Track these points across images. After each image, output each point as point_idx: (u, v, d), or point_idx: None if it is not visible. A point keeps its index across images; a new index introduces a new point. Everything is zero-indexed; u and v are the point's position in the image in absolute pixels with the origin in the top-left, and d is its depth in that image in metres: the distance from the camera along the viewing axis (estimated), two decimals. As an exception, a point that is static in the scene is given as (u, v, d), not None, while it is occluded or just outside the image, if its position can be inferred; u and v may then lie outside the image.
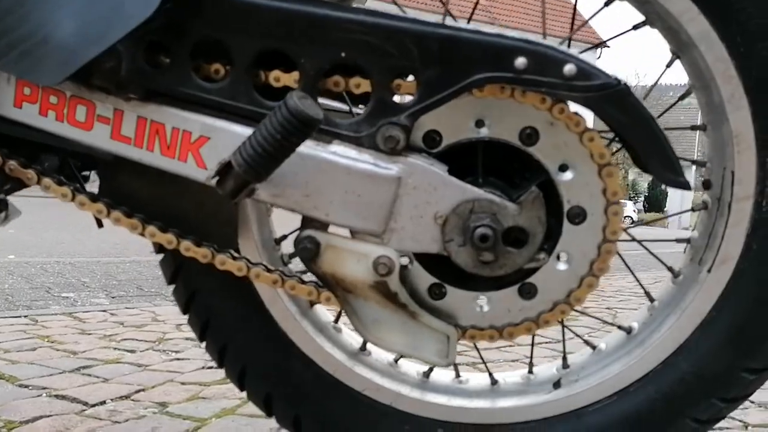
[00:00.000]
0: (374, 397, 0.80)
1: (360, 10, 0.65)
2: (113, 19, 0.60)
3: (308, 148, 0.64)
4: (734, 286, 0.75)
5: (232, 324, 0.79)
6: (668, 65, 0.76)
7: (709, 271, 0.76)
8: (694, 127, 0.79)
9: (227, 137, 0.65)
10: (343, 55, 0.64)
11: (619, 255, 0.84)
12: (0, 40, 0.61)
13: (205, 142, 0.66)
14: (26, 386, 1.25)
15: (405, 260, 0.69)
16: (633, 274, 0.88)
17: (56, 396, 1.19)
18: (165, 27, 0.63)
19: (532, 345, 0.86)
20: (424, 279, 0.71)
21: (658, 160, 0.66)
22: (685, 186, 0.67)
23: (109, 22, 0.60)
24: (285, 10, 0.63)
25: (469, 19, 0.79)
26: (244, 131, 0.64)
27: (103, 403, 1.17)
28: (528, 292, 0.71)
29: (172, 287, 0.79)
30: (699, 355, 0.77)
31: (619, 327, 0.84)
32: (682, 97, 0.80)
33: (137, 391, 1.24)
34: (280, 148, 0.57)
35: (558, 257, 0.70)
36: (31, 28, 0.61)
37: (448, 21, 0.69)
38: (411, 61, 0.64)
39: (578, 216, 0.69)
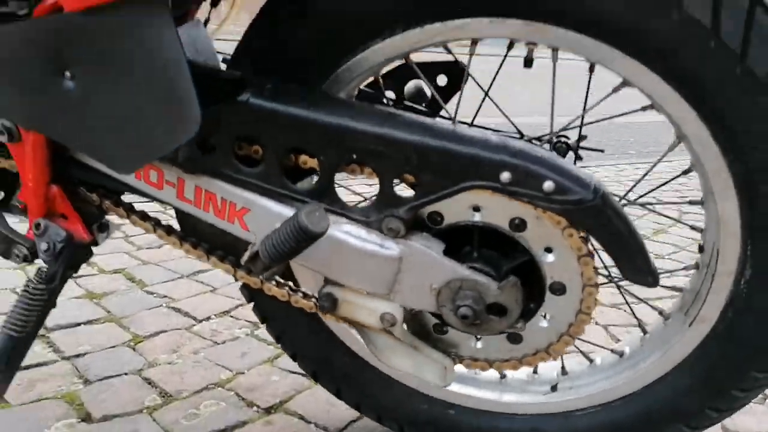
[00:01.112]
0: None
1: (370, 116, 0.74)
2: (171, 133, 0.73)
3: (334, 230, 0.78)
4: (708, 343, 0.84)
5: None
6: (671, 148, 0.80)
7: (690, 324, 0.85)
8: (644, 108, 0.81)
9: (263, 211, 0.79)
10: (354, 157, 0.75)
11: (618, 287, 0.94)
12: (95, 138, 0.77)
13: (246, 212, 0.81)
14: (151, 293, 1.54)
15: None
16: (629, 305, 0.97)
17: (173, 308, 1.48)
18: (209, 127, 0.76)
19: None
20: (429, 318, 0.86)
21: (629, 267, 0.74)
22: (653, 285, 0.75)
23: (168, 135, 0.73)
24: (302, 118, 0.74)
25: (475, 116, 0.85)
26: (277, 207, 0.78)
27: (208, 319, 1.44)
28: (515, 340, 0.84)
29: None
30: (675, 389, 0.88)
31: (612, 351, 0.95)
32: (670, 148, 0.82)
33: (237, 306, 1.50)
34: (293, 250, 0.72)
35: (543, 316, 0.82)
36: (113, 132, 0.76)
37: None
38: (411, 166, 0.74)
39: (559, 290, 0.79)
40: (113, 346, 1.30)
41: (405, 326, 0.85)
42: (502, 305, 0.78)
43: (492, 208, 0.76)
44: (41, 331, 1.29)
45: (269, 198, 0.79)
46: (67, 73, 0.74)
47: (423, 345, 0.85)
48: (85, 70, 0.73)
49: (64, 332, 1.33)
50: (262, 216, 0.79)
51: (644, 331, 0.93)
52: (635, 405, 0.91)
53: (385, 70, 0.86)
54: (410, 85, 0.91)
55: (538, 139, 0.83)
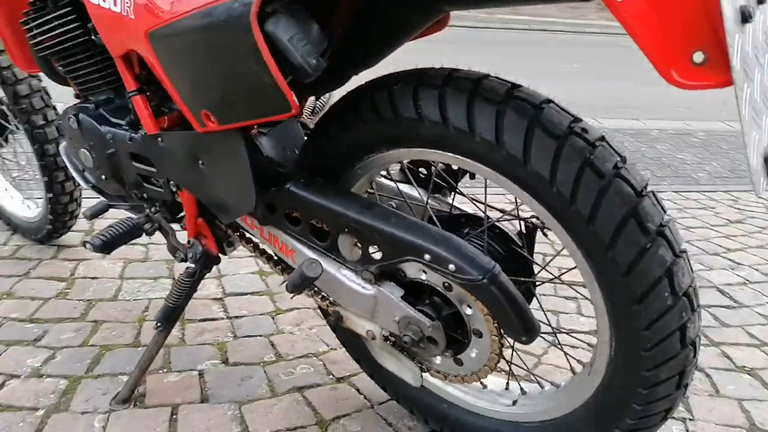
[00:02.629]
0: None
1: (356, 205, 1.15)
2: (238, 207, 1.22)
3: (334, 269, 1.21)
4: (599, 390, 1.12)
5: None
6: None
7: (589, 374, 1.14)
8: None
9: (300, 254, 1.25)
10: (345, 230, 1.17)
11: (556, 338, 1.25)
12: (210, 198, 1.29)
13: (293, 253, 1.27)
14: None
15: (393, 328, 1.24)
16: (566, 354, 1.26)
17: (311, 292, 2.01)
18: (270, 200, 1.23)
19: (510, 364, 1.34)
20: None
21: (507, 328, 1.07)
22: (526, 343, 1.07)
23: (237, 208, 1.22)
24: (317, 202, 1.17)
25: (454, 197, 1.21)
26: (308, 252, 1.24)
27: (332, 304, 1.94)
28: (459, 363, 1.21)
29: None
30: (582, 418, 1.18)
31: (552, 383, 1.26)
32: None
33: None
34: (301, 284, 1.17)
35: (472, 349, 1.17)
36: (215, 198, 1.27)
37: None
38: (377, 242, 1.13)
39: (477, 334, 1.14)
40: (261, 314, 1.86)
41: (388, 340, 1.25)
42: (433, 338, 1.15)
43: (431, 273, 1.13)
44: (219, 294, 1.90)
45: (304, 245, 1.25)
46: (200, 162, 1.25)
47: (399, 355, 1.25)
48: (207, 161, 1.24)
49: (233, 298, 1.93)
50: (300, 256, 1.25)
51: (573, 372, 1.23)
52: (558, 427, 1.22)
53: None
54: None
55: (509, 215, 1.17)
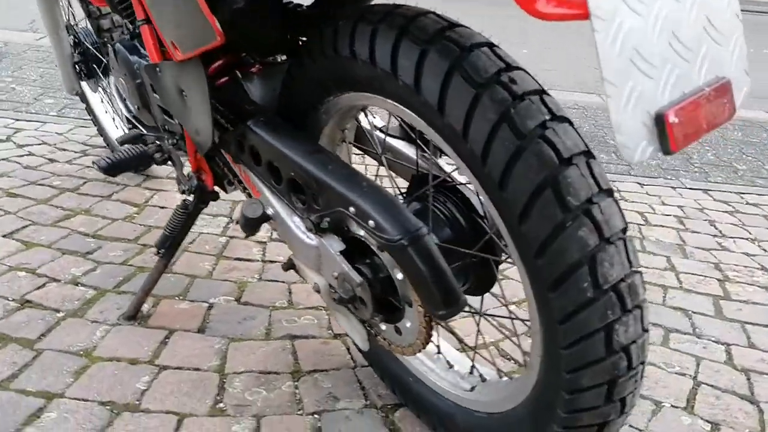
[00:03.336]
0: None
1: (305, 153, 1.08)
2: (205, 136, 1.21)
3: (285, 215, 1.17)
4: (535, 387, 0.98)
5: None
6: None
7: (527, 368, 1.00)
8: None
9: (263, 195, 1.22)
10: (291, 174, 1.11)
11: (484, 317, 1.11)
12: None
13: (259, 194, 1.24)
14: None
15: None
16: (512, 339, 1.11)
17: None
18: (237, 136, 1.21)
19: (474, 351, 1.22)
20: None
21: (424, 299, 0.96)
22: (442, 319, 0.96)
23: (204, 136, 1.22)
24: (271, 143, 1.13)
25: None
26: (268, 194, 1.20)
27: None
28: (399, 332, 1.11)
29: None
30: (521, 417, 1.04)
31: (507, 374, 1.13)
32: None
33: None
34: (247, 223, 1.14)
35: (407, 319, 1.08)
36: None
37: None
38: (315, 191, 1.07)
39: (408, 302, 1.04)
40: (295, 262, 1.86)
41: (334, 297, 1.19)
42: (362, 299, 1.07)
43: (362, 230, 1.05)
44: (264, 238, 1.93)
45: (265, 186, 1.21)
46: (183, 92, 1.26)
47: (348, 314, 1.18)
48: (186, 92, 1.24)
49: (275, 244, 1.95)
50: (263, 197, 1.22)
51: (525, 365, 1.08)
52: (502, 422, 1.09)
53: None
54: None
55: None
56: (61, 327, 1.50)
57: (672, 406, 1.42)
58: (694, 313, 1.80)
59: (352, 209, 1.00)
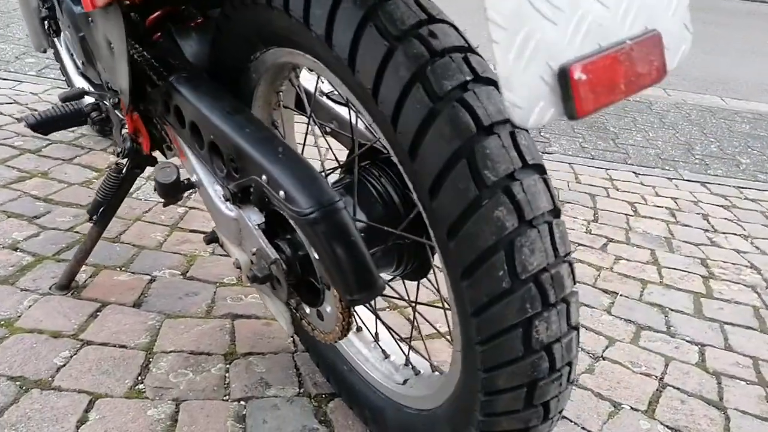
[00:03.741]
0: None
1: (225, 116, 0.98)
2: (124, 90, 1.11)
3: (207, 182, 1.06)
4: (457, 386, 0.88)
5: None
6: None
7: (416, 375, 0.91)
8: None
9: (188, 160, 1.11)
10: (212, 137, 1.01)
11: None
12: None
13: (185, 159, 1.13)
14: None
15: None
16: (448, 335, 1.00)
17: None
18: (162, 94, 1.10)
19: (410, 344, 1.12)
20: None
21: (339, 284, 0.85)
22: (351, 305, 0.85)
23: (123, 91, 1.11)
24: (192, 103, 1.02)
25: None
26: (193, 159, 1.09)
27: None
28: (321, 317, 1.01)
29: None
30: (443, 417, 0.94)
31: (438, 369, 1.02)
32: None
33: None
34: (161, 190, 1.03)
35: (327, 303, 0.97)
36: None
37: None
38: (233, 157, 0.96)
39: (327, 285, 0.94)
40: (252, 237, 1.76)
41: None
42: (276, 277, 0.96)
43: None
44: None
45: (190, 150, 1.10)
46: (110, 44, 1.15)
47: (270, 293, 1.08)
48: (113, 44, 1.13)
49: (234, 217, 1.85)
50: (187, 162, 1.11)
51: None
52: (427, 421, 0.99)
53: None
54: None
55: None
56: (-13, 294, 1.41)
57: (632, 408, 1.31)
58: (672, 310, 1.69)
59: (264, 177, 0.89)
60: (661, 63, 0.54)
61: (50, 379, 1.21)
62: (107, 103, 1.35)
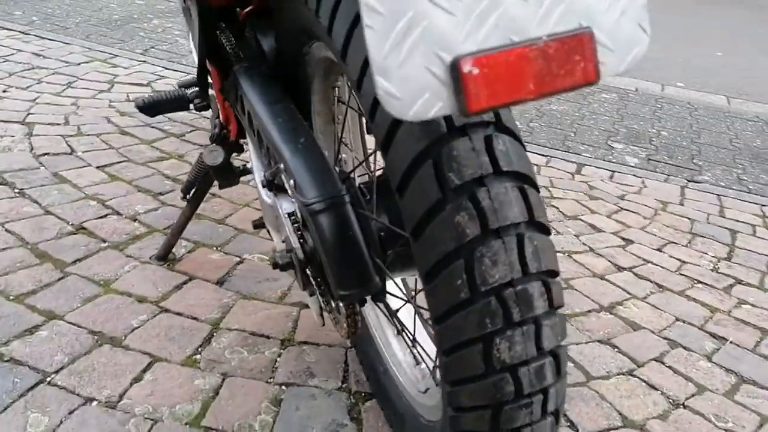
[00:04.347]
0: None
1: (264, 107, 1.01)
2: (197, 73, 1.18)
3: (256, 171, 1.11)
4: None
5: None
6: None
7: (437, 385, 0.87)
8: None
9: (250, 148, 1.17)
10: (257, 126, 1.05)
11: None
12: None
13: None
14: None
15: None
16: None
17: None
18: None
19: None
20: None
21: (331, 276, 0.85)
22: (341, 299, 0.85)
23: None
24: (245, 91, 1.07)
25: None
26: (252, 146, 1.15)
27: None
28: (339, 311, 1.01)
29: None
30: (443, 427, 0.91)
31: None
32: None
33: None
34: (213, 171, 1.10)
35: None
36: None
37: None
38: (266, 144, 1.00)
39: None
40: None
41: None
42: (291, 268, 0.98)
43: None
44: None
45: (250, 138, 1.16)
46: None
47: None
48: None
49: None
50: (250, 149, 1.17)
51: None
52: (431, 430, 0.96)
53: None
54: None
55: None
56: (98, 256, 1.57)
57: (697, 466, 1.17)
58: (789, 367, 1.48)
59: (282, 166, 0.92)
60: (591, 64, 0.48)
61: (123, 337, 1.32)
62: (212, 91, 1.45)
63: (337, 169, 0.96)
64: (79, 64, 2.92)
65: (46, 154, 2.05)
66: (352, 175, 0.96)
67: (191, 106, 1.47)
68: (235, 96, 1.17)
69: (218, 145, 1.37)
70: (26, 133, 2.16)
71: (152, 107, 1.43)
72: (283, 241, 1.02)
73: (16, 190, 1.81)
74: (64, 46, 3.13)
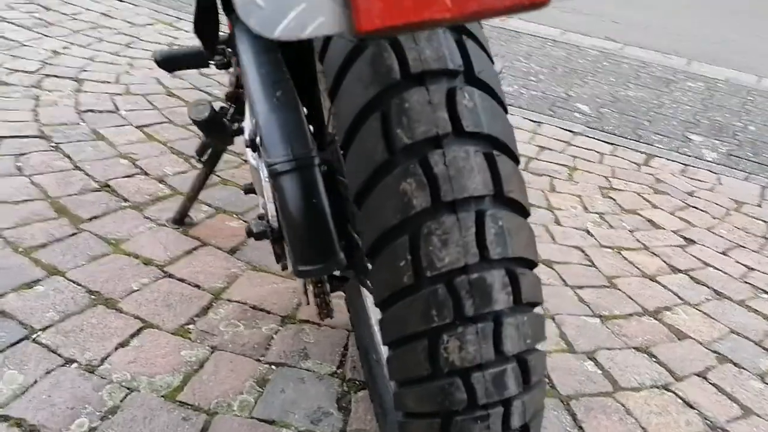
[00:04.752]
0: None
1: (262, 78, 0.91)
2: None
3: (246, 131, 1.01)
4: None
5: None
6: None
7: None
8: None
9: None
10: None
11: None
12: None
13: (251, 105, 1.10)
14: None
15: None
16: None
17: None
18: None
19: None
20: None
21: (290, 247, 0.75)
22: (306, 275, 0.74)
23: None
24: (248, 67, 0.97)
25: None
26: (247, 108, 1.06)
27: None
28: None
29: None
30: None
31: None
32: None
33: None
34: (200, 125, 1.01)
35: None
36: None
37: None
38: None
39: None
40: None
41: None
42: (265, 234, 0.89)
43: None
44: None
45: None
46: None
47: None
48: None
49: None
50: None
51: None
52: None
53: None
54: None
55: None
56: (116, 214, 1.53)
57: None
58: None
59: (255, 121, 0.82)
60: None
61: (119, 300, 1.27)
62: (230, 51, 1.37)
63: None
64: (143, 25, 2.92)
65: (90, 110, 2.03)
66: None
67: (211, 63, 1.39)
68: (235, 47, 1.08)
69: (231, 104, 1.30)
70: (75, 89, 2.16)
71: (169, 62, 1.36)
72: (262, 208, 0.92)
73: (52, 144, 1.79)
74: (133, 7, 3.14)
